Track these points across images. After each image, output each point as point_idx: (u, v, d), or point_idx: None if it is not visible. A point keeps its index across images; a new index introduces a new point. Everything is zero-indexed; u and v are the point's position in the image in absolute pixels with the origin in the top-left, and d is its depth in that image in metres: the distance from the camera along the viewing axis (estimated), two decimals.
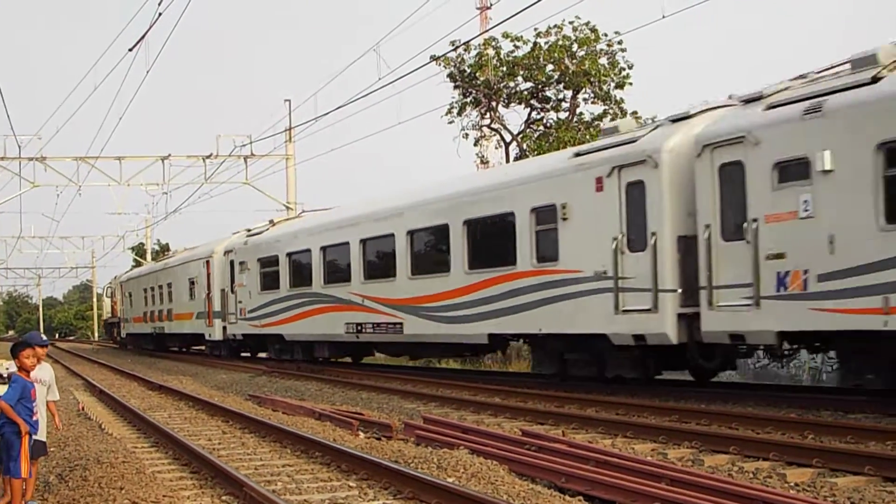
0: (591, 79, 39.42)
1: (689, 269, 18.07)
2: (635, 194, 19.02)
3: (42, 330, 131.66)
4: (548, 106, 41.83)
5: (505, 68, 40.66)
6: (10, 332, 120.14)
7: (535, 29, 39.89)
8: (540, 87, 40.87)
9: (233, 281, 38.94)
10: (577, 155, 20.94)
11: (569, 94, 40.99)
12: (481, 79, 40.73)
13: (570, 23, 39.53)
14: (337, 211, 34.14)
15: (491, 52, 41.03)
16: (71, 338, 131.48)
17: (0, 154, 53.55)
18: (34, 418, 10.90)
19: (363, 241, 29.11)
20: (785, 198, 16.03)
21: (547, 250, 21.34)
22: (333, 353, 33.99)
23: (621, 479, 11.13)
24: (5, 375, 11.93)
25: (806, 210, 15.69)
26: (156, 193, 58.30)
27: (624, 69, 40.11)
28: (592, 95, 40.66)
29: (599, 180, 19.80)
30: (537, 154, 37.20)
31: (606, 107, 40.70)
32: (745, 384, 19.76)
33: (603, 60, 39.77)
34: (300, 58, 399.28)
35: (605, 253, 19.53)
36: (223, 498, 11.58)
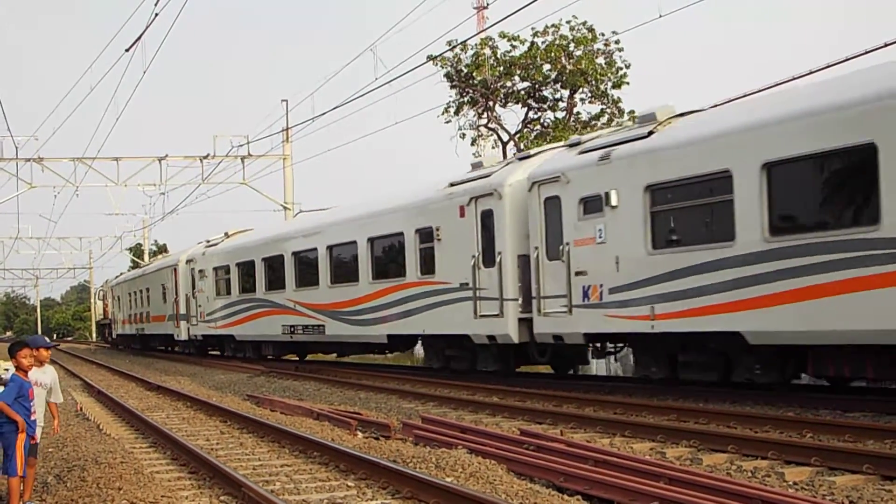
0: (589, 78, 39.41)
1: (526, 283, 22.20)
2: (487, 220, 23.26)
3: (40, 331, 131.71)
4: (545, 105, 41.83)
5: (502, 68, 40.64)
6: (8, 333, 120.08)
7: (533, 28, 39.89)
8: (537, 86, 40.87)
9: (194, 287, 43.74)
10: (451, 185, 25.01)
11: (566, 93, 40.99)
12: (478, 78, 40.72)
13: (568, 22, 39.55)
14: (274, 226, 39.84)
15: (488, 51, 41.01)
16: (69, 338, 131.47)
17: None
18: (32, 418, 10.92)
19: (294, 254, 33.61)
20: (587, 226, 20.14)
21: (427, 265, 25.56)
22: (277, 352, 38.63)
23: (620, 478, 11.13)
24: (5, 378, 11.95)
25: (600, 237, 19.84)
26: (153, 194, 58.44)
27: (621, 68, 40.12)
28: (590, 95, 40.66)
29: (462, 208, 24.15)
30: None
31: (604, 106, 40.71)
32: (741, 383, 19.74)
33: (600, 60, 39.78)
34: (297, 58, 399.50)
35: (467, 268, 23.68)
36: (221, 498, 11.58)
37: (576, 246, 20.30)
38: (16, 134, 52.33)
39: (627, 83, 40.31)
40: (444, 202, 24.80)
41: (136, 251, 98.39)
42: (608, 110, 40.61)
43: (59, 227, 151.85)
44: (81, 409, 22.82)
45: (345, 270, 29.87)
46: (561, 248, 20.61)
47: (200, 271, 42.00)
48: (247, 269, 37.44)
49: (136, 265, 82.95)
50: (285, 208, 52.90)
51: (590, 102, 41.10)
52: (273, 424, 17.30)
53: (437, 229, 24.91)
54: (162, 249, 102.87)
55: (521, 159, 23.58)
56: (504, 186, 22.58)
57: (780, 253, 15.90)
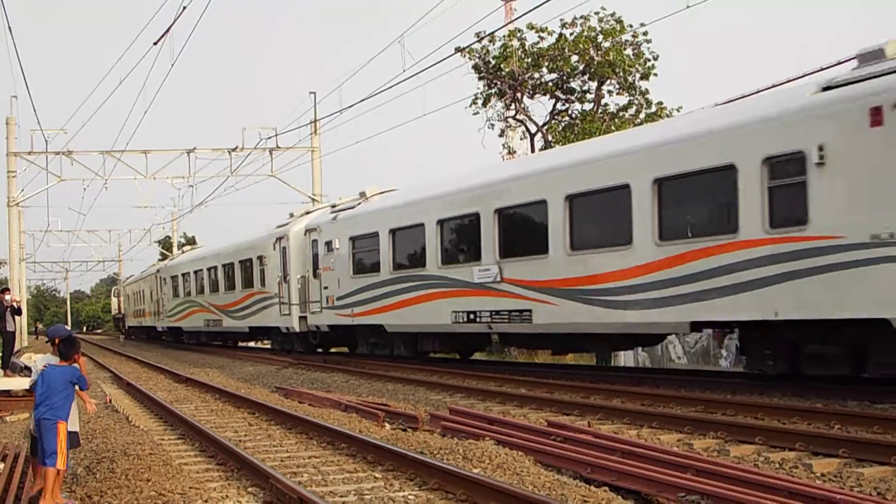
0: (616, 69, 39.35)
1: (304, 293, 35.19)
2: (283, 253, 36.83)
3: (70, 323, 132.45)
4: (573, 97, 41.84)
5: (530, 59, 40.64)
6: (39, 325, 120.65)
7: (561, 20, 39.87)
8: (565, 77, 40.85)
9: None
10: (292, 215, 38.62)
11: (594, 84, 40.97)
12: (506, 70, 40.69)
13: (596, 13, 39.49)
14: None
15: (516, 43, 41.00)
16: (98, 331, 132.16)
17: (27, 149, 54.05)
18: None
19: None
20: (328, 258, 32.78)
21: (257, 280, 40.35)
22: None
23: (647, 469, 11.12)
24: (27, 367, 12.08)
25: (332, 265, 32.47)
26: (182, 186, 58.69)
27: (649, 60, 40.05)
28: (617, 86, 40.62)
29: (278, 241, 37.42)
30: (563, 145, 37.17)
31: (631, 97, 40.65)
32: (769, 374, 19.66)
33: (628, 51, 39.70)
34: (325, 50, 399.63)
35: (276, 282, 37.43)
36: (249, 489, 11.62)
37: (323, 271, 33.19)
38: (45, 128, 52.56)
39: (655, 74, 40.31)
40: (292, 230, 36.57)
41: (165, 244, 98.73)
42: (636, 101, 40.56)
43: (88, 219, 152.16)
44: (111, 401, 22.93)
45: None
46: (317, 272, 33.62)
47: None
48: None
49: (164, 257, 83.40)
50: (313, 200, 53.01)
51: (617, 94, 41.13)
52: (301, 416, 17.34)
53: (261, 258, 39.40)
54: (190, 242, 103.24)
55: (306, 213, 38.25)
56: (290, 232, 36.32)
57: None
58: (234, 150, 53.52)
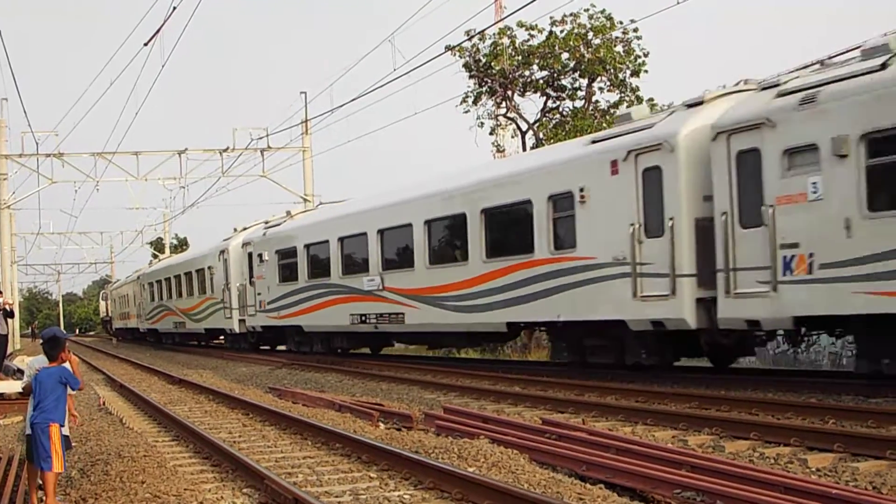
0: (607, 67, 39.32)
1: (242, 299, 39.53)
2: (226, 264, 39.58)
3: (63, 326, 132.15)
4: (563, 94, 41.75)
5: (520, 57, 40.58)
6: (31, 328, 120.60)
7: (551, 17, 39.82)
8: (555, 75, 40.78)
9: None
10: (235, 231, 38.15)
11: (584, 82, 40.91)
12: (496, 68, 40.65)
13: (586, 11, 39.45)
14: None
15: (506, 41, 40.96)
16: (91, 333, 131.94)
17: (18, 151, 53.94)
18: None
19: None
20: (260, 268, 35.05)
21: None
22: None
23: (642, 466, 11.13)
24: (20, 370, 12.04)
25: (263, 274, 35.43)
26: (173, 188, 58.52)
27: (640, 57, 40.02)
28: (608, 83, 40.59)
29: (222, 253, 39.90)
30: (554, 143, 37.19)
31: (622, 94, 40.61)
32: (764, 370, 19.83)
33: (618, 48, 39.67)
34: (316, 50, 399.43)
35: (222, 289, 40.17)
36: (244, 490, 11.61)
37: (257, 279, 32.79)
38: (36, 130, 52.43)
39: (646, 71, 40.23)
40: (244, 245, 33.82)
41: (157, 245, 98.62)
42: (627, 98, 40.51)
43: (80, 222, 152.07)
44: (104, 403, 22.90)
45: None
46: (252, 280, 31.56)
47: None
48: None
49: (156, 258, 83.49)
50: (305, 200, 52.96)
51: (608, 91, 41.04)
52: (295, 416, 17.33)
53: (210, 268, 38.86)
54: (182, 243, 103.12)
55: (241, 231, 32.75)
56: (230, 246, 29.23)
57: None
58: (225, 150, 53.44)
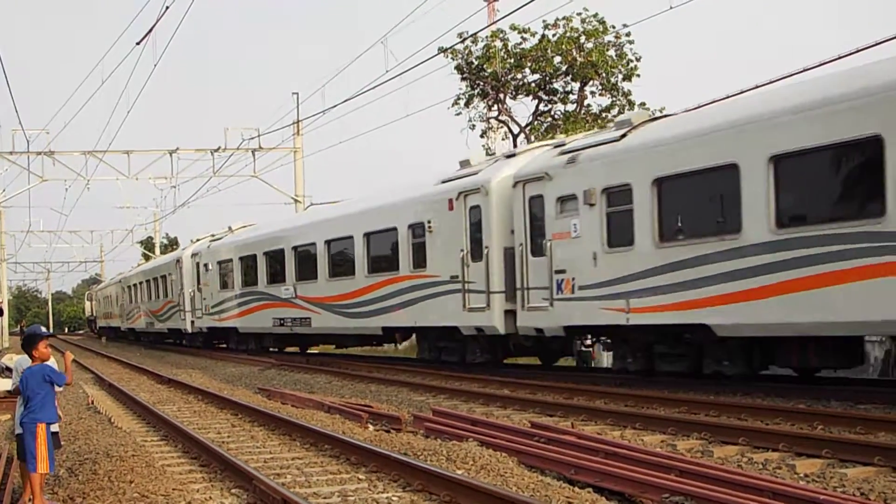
0: (599, 70, 39.39)
1: (193, 303, 44.17)
2: (180, 272, 43.37)
3: (52, 324, 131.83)
4: (555, 98, 41.84)
5: (512, 60, 40.65)
6: (20, 326, 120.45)
7: (543, 21, 39.88)
8: (548, 78, 40.88)
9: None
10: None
11: (576, 85, 40.99)
12: (489, 71, 40.70)
13: (578, 14, 39.51)
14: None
15: (498, 44, 41.01)
16: (80, 332, 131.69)
17: (8, 149, 53.65)
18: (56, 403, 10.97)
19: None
20: (206, 276, 40.45)
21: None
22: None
23: (631, 470, 11.14)
24: (8, 367, 11.94)
25: (208, 282, 39.90)
26: (164, 187, 58.45)
27: (632, 61, 40.09)
28: (600, 87, 40.66)
29: (177, 262, 45.74)
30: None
31: (614, 98, 40.70)
32: (752, 375, 19.86)
33: (611, 52, 39.74)
34: (308, 51, 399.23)
35: (178, 294, 44.15)
36: (233, 491, 11.59)
37: (203, 286, 38.13)
38: (27, 128, 52.26)
39: (638, 75, 40.36)
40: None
41: (148, 244, 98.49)
42: (619, 102, 40.59)
43: (70, 220, 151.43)
44: (93, 402, 22.86)
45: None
46: (200, 286, 36.82)
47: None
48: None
49: (146, 258, 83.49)
50: (296, 201, 52.93)
51: (600, 95, 41.13)
52: (284, 417, 17.31)
53: (169, 275, 42.00)
54: (173, 242, 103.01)
55: (195, 242, 37.44)
56: (183, 256, 37.58)
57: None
58: (216, 150, 53.36)
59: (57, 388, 10.92)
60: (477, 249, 23.78)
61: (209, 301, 43.33)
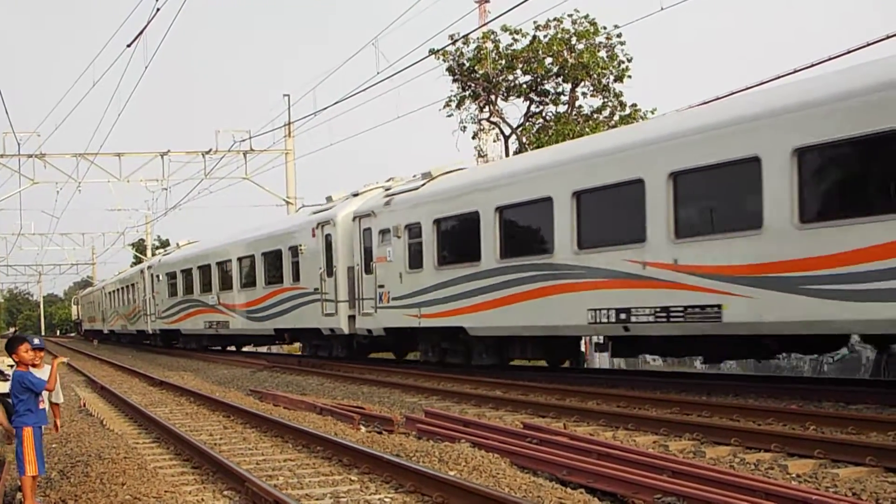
0: (590, 72, 39.38)
1: (151, 307, 51.28)
2: (143, 280, 51.15)
3: (43, 327, 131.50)
4: (547, 99, 41.82)
5: (504, 62, 40.63)
6: (12, 330, 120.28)
7: (535, 22, 39.88)
8: (539, 80, 40.86)
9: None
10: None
11: (568, 87, 40.98)
12: (480, 72, 40.70)
13: (570, 16, 39.51)
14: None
15: (490, 45, 41.01)
16: (72, 334, 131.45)
17: None
18: (41, 406, 10.82)
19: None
20: (157, 286, 49.80)
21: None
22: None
23: (623, 471, 11.14)
24: (7, 372, 11.87)
25: (157, 291, 49.93)
26: (155, 189, 58.51)
27: (623, 62, 40.09)
28: (591, 88, 40.65)
29: (141, 272, 53.57)
30: (536, 148, 37.22)
31: (605, 99, 40.69)
32: (745, 376, 19.95)
33: (602, 53, 39.74)
34: (299, 52, 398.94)
35: (142, 300, 51.47)
36: (225, 493, 11.58)
37: (154, 294, 45.39)
38: (18, 130, 52.23)
39: (630, 76, 40.31)
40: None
41: (139, 247, 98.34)
42: (610, 104, 40.60)
43: (61, 223, 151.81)
44: (85, 404, 22.81)
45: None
46: (154, 294, 44.60)
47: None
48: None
49: (138, 260, 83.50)
50: (287, 203, 52.90)
51: (592, 96, 41.12)
52: (276, 419, 17.29)
53: (135, 284, 49.87)
54: (164, 244, 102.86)
55: (152, 257, 46.00)
56: (144, 268, 47.17)
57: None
58: (208, 152, 53.39)
59: (42, 398, 10.83)
60: (329, 268, 30.55)
61: (161, 307, 51.33)
